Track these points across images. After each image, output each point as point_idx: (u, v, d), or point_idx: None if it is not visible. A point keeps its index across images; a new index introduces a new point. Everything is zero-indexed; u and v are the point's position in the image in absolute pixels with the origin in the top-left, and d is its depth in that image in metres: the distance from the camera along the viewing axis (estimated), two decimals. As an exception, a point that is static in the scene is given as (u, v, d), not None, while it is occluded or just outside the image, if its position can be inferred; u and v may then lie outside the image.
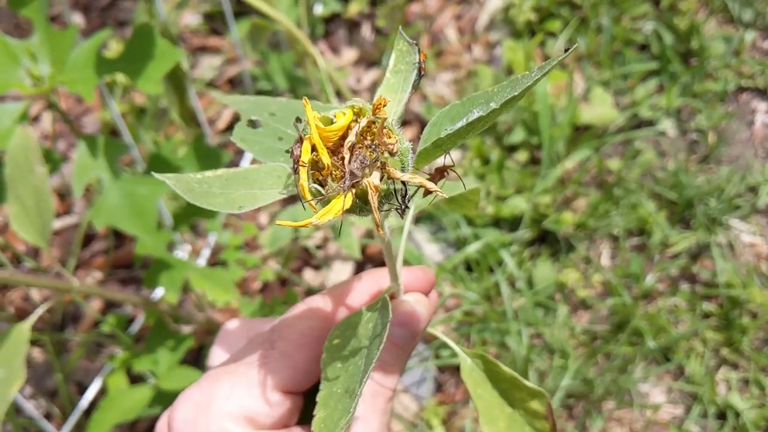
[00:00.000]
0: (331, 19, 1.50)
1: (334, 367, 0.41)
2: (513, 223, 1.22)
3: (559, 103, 1.29)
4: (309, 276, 1.19)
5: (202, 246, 1.20)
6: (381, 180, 0.34)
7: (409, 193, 0.36)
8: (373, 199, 0.34)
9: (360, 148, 0.34)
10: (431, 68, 1.43)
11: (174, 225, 0.87)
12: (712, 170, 1.30)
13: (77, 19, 1.47)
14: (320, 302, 0.47)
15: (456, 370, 1.12)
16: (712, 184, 1.25)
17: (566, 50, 0.33)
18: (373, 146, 0.34)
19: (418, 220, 1.24)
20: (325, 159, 0.33)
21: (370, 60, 1.44)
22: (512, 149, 1.29)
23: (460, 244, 1.22)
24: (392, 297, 0.50)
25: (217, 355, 0.49)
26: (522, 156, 1.28)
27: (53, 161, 0.80)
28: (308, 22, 1.43)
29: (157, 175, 0.37)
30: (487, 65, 1.42)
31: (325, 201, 0.34)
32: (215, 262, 1.16)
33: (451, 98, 1.38)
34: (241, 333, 0.50)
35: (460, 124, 0.34)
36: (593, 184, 1.28)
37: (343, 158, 0.34)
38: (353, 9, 1.07)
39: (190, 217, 0.88)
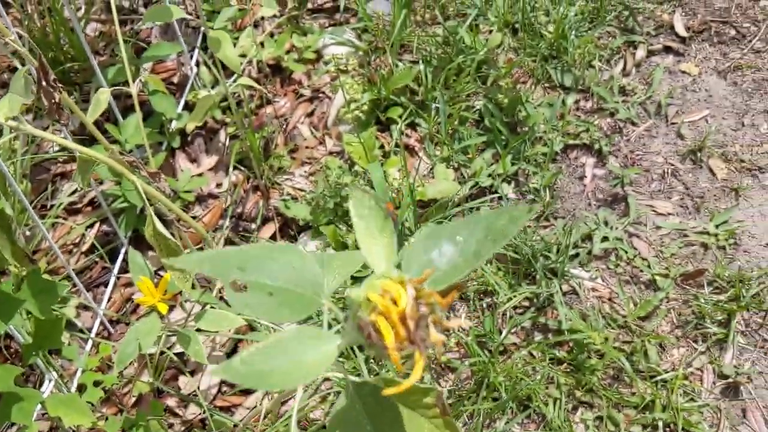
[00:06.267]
0: (189, 131, 1.57)
1: None
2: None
3: (406, 184, 1.39)
4: (183, 383, 1.23)
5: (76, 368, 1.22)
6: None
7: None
8: (440, 351, 0.41)
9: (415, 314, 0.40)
10: (287, 164, 1.52)
11: (23, 359, 0.90)
12: (551, 225, 1.41)
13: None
14: None
15: None
16: (550, 238, 1.36)
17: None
18: (420, 307, 0.40)
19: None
20: (402, 334, 0.39)
21: (229, 164, 1.51)
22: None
23: (330, 327, 1.28)
24: None
25: None
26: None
27: None
28: (165, 138, 1.50)
29: (215, 367, 0.39)
30: (337, 157, 1.52)
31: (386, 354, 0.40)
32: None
33: (308, 190, 1.46)
34: None
35: (443, 255, 0.43)
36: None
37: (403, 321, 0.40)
38: (189, 127, 1.15)
39: (39, 349, 0.91)
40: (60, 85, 0.87)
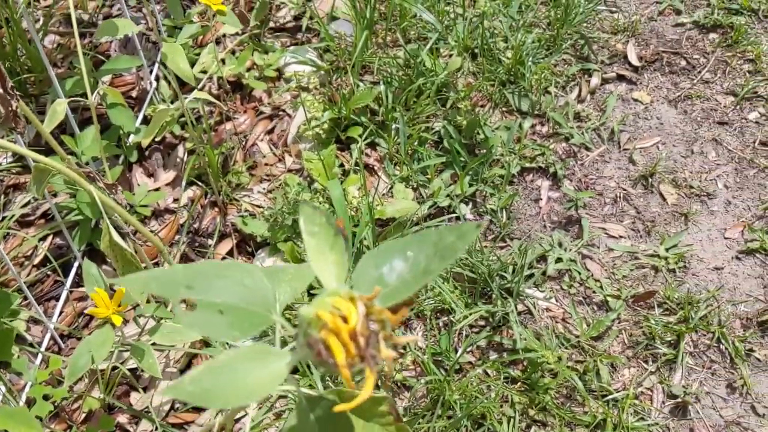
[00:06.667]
0: (147, 145, 1.56)
1: None
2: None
3: (365, 202, 1.40)
4: (135, 399, 1.21)
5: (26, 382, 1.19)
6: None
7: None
8: (390, 367, 0.40)
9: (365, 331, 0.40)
10: (246, 181, 1.52)
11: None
12: (507, 246, 1.43)
13: None
14: None
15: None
16: (506, 258, 1.38)
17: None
18: (371, 325, 0.40)
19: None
20: (353, 351, 0.39)
21: (186, 179, 1.50)
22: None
23: (283, 344, 1.27)
24: None
25: None
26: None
27: None
28: (122, 151, 1.48)
29: (165, 388, 0.39)
30: (296, 174, 1.52)
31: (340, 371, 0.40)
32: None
33: (266, 207, 1.46)
34: None
35: (394, 270, 0.43)
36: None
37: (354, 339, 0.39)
38: (145, 141, 1.14)
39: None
40: (18, 92, 0.86)
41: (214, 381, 0.40)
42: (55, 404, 1.11)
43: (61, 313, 1.29)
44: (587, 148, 1.58)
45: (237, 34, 1.76)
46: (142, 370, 1.24)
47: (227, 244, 1.43)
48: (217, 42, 1.76)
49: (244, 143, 1.61)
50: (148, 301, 1.13)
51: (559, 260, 1.39)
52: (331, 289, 0.42)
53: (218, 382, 0.40)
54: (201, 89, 1.31)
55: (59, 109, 1.11)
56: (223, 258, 1.41)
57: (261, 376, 0.41)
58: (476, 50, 1.71)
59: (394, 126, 1.56)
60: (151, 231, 1.44)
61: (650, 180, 1.52)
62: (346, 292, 0.41)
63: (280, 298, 0.46)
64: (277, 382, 0.42)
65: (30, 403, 1.08)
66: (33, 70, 1.61)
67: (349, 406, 0.40)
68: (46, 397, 0.98)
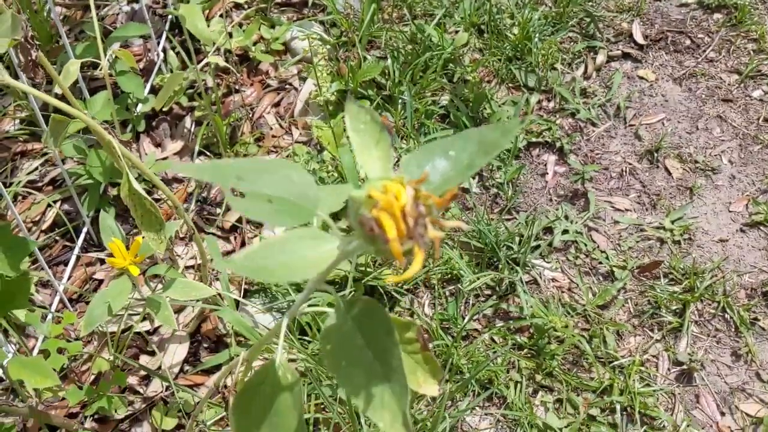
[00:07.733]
0: (154, 115, 1.56)
1: (338, 364, 0.47)
2: (341, 284, 1.30)
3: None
4: (145, 361, 1.21)
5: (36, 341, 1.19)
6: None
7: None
8: (437, 246, 0.42)
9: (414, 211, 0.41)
10: (254, 151, 1.52)
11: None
12: (514, 219, 1.44)
13: None
14: None
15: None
16: (512, 230, 1.39)
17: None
18: (419, 206, 0.41)
19: (250, 293, 1.30)
20: (403, 229, 0.40)
21: (194, 149, 1.50)
22: (334, 217, 1.38)
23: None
24: None
25: None
26: (344, 223, 1.38)
27: None
28: (131, 120, 1.48)
29: (219, 260, 0.40)
30: (304, 144, 1.53)
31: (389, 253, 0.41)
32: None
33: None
34: None
35: (436, 169, 0.45)
36: (409, 242, 1.38)
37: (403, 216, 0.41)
38: (158, 104, 1.15)
39: (6, 308, 0.90)
40: (37, 42, 0.87)
41: (269, 258, 0.41)
42: (65, 365, 1.11)
43: (70, 277, 1.29)
44: (593, 124, 1.59)
45: (243, 7, 1.76)
46: (153, 332, 1.25)
47: (236, 213, 1.44)
48: (223, 16, 1.76)
49: (251, 115, 1.61)
50: (157, 263, 1.14)
51: (565, 232, 1.40)
52: (378, 176, 0.43)
53: (272, 259, 0.41)
54: (212, 53, 1.32)
55: (72, 69, 1.11)
56: (233, 226, 1.42)
57: (313, 255, 0.43)
58: (483, 26, 1.72)
59: (400, 99, 1.57)
60: (160, 199, 1.44)
61: (656, 155, 1.53)
62: (395, 177, 0.42)
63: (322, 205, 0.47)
64: (328, 261, 0.43)
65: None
66: (39, 40, 1.60)
67: (399, 278, 0.41)
68: (60, 350, 0.98)
